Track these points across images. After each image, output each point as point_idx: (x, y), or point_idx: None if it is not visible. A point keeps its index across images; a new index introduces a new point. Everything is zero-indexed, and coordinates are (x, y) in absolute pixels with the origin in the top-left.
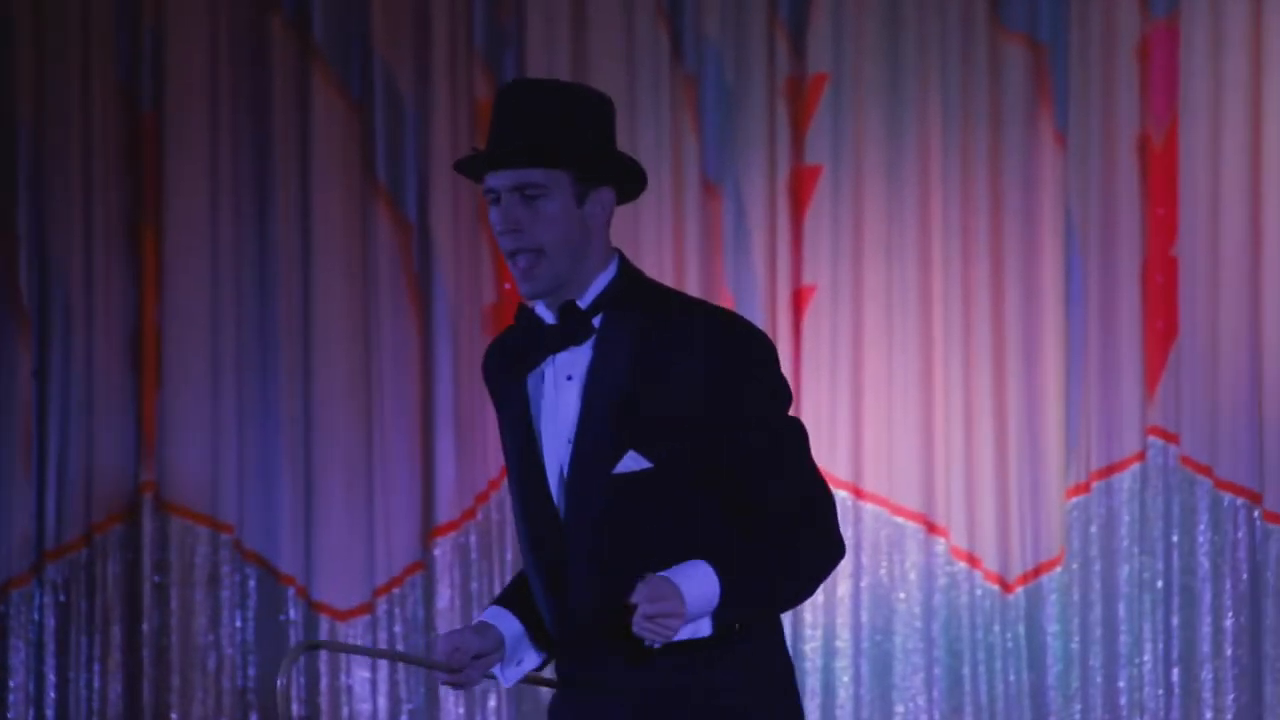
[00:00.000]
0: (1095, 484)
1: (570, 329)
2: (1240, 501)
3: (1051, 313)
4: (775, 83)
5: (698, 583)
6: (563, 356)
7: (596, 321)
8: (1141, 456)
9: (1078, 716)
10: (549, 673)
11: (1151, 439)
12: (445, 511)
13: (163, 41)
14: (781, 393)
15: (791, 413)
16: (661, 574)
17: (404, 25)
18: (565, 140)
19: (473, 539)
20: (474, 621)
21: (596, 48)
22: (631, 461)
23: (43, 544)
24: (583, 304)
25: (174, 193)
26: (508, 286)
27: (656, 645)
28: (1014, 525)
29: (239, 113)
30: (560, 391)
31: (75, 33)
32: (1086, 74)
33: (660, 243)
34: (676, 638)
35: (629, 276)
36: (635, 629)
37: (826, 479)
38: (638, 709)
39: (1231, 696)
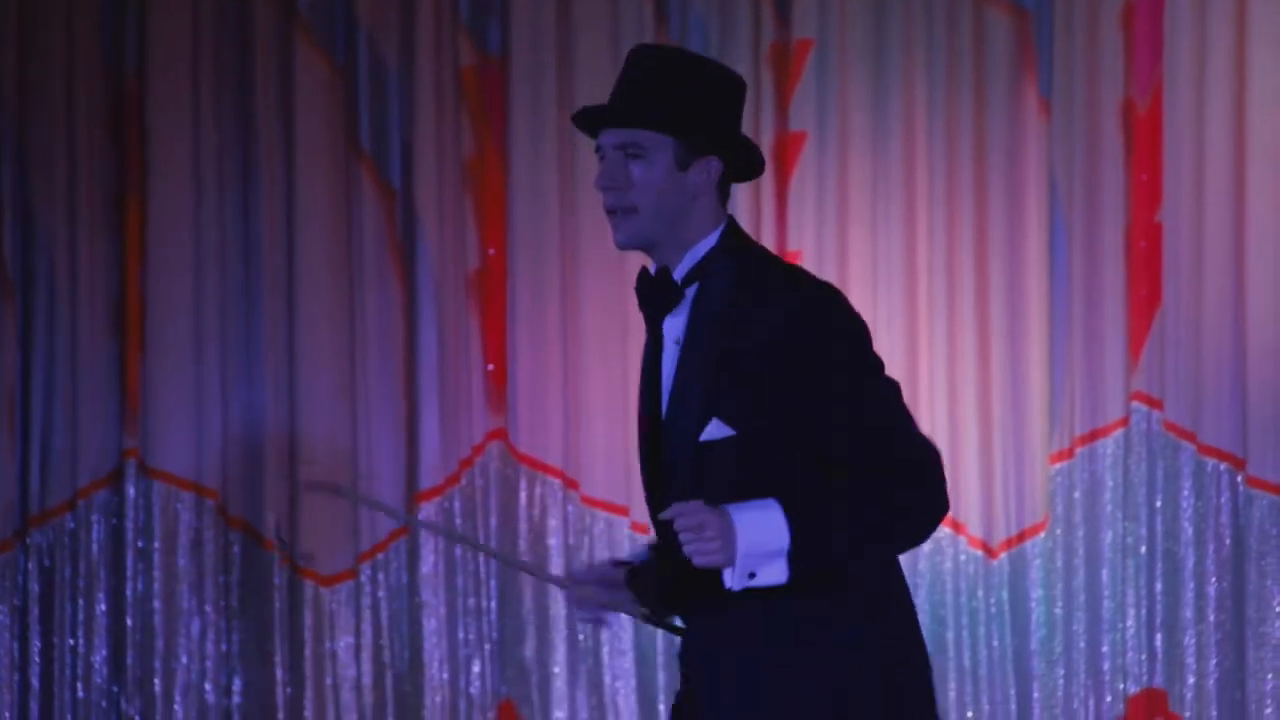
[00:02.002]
0: (1079, 450)
1: (665, 296)
2: (1223, 467)
3: (1035, 278)
4: (760, 49)
5: (757, 517)
6: (669, 321)
7: (690, 291)
8: (1125, 422)
9: (1061, 681)
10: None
11: (1135, 405)
12: (429, 477)
13: (146, 9)
14: (861, 361)
15: (890, 392)
16: (725, 508)
17: None
18: (670, 105)
19: (457, 504)
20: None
21: (581, 15)
22: (715, 429)
23: (27, 510)
24: (678, 274)
25: (157, 161)
26: (491, 252)
27: (696, 561)
28: (998, 491)
29: (222, 80)
30: (669, 355)
31: (58, 3)
32: (1070, 40)
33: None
34: (754, 583)
35: (731, 245)
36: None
37: (927, 440)
38: (711, 655)
39: (1214, 661)
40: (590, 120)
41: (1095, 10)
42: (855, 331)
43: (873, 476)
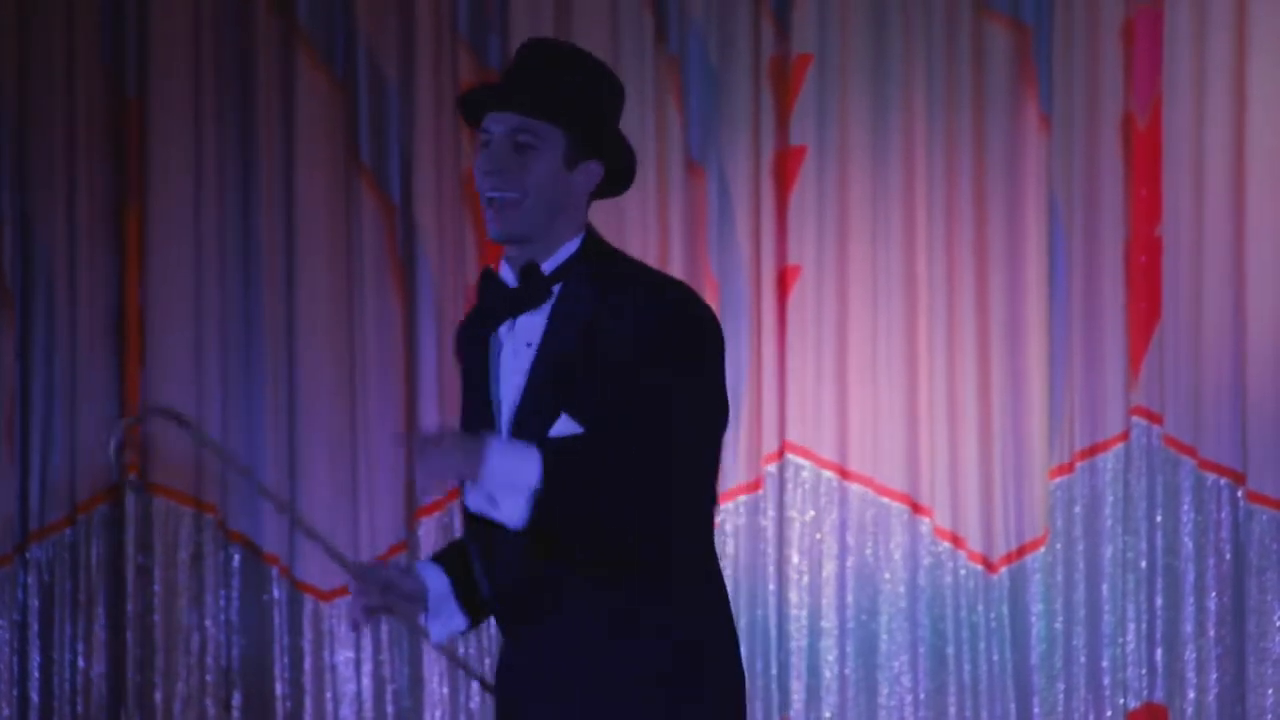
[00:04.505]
0: (1079, 464)
1: (529, 291)
2: (1223, 481)
3: (1035, 293)
4: (760, 63)
5: (513, 451)
6: (523, 321)
7: (556, 288)
8: (1125, 437)
9: (1061, 696)
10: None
11: (1135, 419)
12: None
13: (147, 23)
14: (682, 364)
15: (698, 396)
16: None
17: (388, 6)
18: (568, 100)
19: (456, 519)
20: (400, 565)
21: (580, 28)
22: (564, 425)
23: (26, 524)
24: (546, 268)
25: (158, 175)
26: (491, 266)
27: (425, 481)
28: (998, 505)
29: (223, 94)
30: (518, 358)
31: (59, 14)
32: (1070, 55)
33: (644, 224)
34: (493, 512)
35: (595, 248)
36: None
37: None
38: (558, 670)
39: (1214, 676)
40: (483, 102)
41: (1095, 25)
42: (699, 344)
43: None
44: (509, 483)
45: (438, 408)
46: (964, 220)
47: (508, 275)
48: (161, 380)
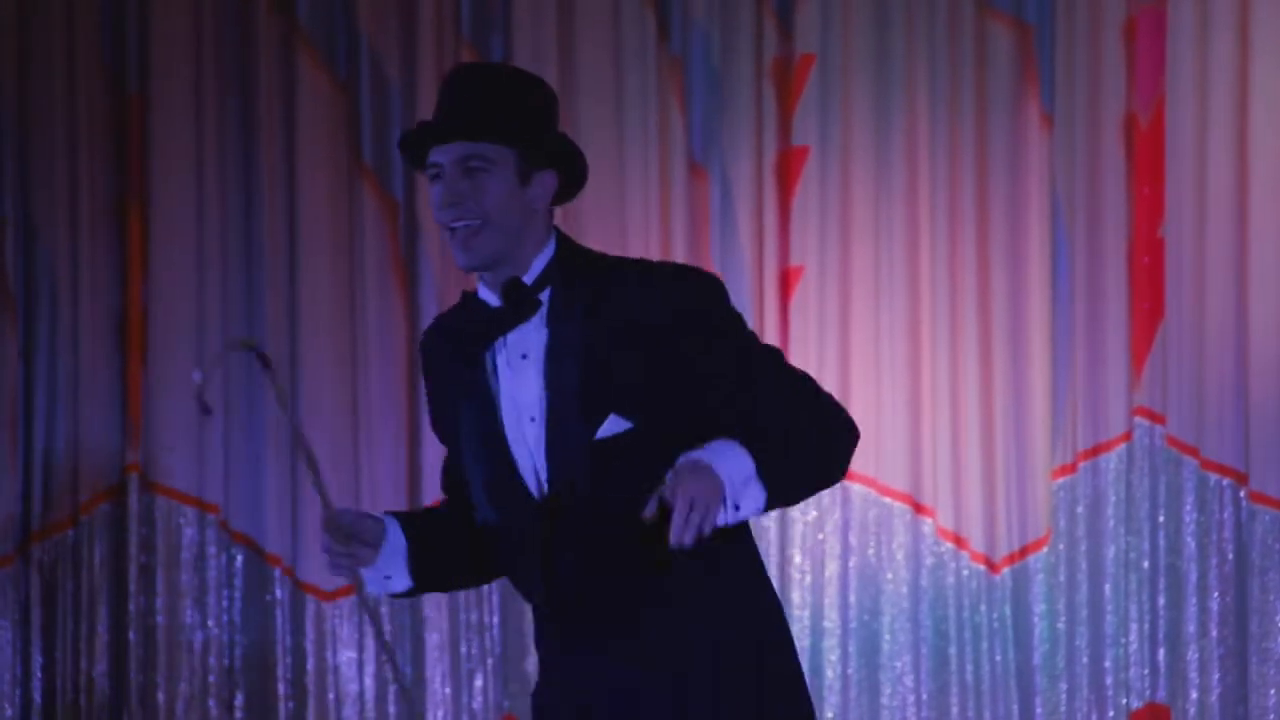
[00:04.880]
0: (1082, 464)
1: (517, 307)
2: (1226, 482)
3: (1038, 293)
4: (762, 64)
5: (726, 454)
6: (513, 337)
7: (543, 297)
8: (1128, 437)
9: (1063, 697)
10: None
11: (1138, 419)
12: (432, 491)
13: (148, 23)
14: (740, 325)
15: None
16: (688, 458)
17: (390, 6)
18: (511, 117)
19: None
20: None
21: (583, 30)
22: (613, 424)
23: (29, 525)
24: (527, 280)
25: (160, 174)
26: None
27: (705, 532)
28: (1000, 506)
29: (225, 94)
30: (517, 372)
31: (60, 14)
32: (1073, 55)
33: (647, 224)
34: (740, 515)
35: (569, 250)
36: (676, 527)
37: (819, 384)
38: (631, 671)
39: (1217, 676)
40: (427, 137)
41: (1098, 24)
42: (725, 298)
43: (799, 415)
44: (740, 479)
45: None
46: (966, 220)
47: (487, 295)
48: (163, 380)
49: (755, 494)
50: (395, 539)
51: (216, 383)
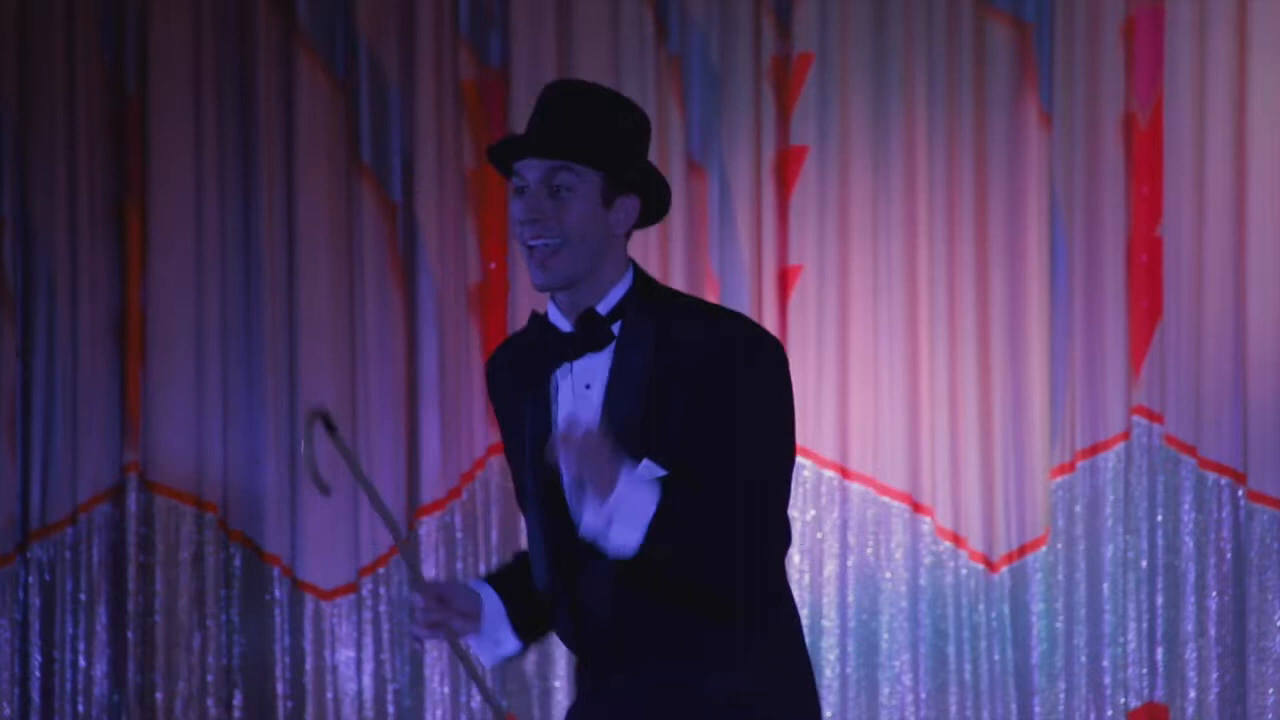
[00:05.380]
0: (1080, 463)
1: (590, 336)
2: (1224, 481)
3: (1037, 292)
4: (761, 63)
5: (637, 484)
6: (580, 364)
7: (615, 328)
8: (1126, 436)
9: (1062, 696)
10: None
11: (1136, 418)
12: (430, 491)
13: (147, 23)
14: (776, 407)
15: (785, 430)
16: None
17: (389, 7)
18: (600, 138)
19: (457, 519)
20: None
21: (581, 28)
22: (646, 469)
23: (28, 524)
24: (602, 310)
25: (159, 174)
26: (493, 266)
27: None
28: (999, 505)
29: (224, 94)
30: (579, 400)
31: (59, 14)
32: (1072, 53)
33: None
34: (598, 533)
35: (646, 284)
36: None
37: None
38: (653, 708)
39: (1215, 675)
40: (515, 150)
41: (1097, 24)
42: (781, 372)
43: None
44: (630, 511)
45: (438, 405)
46: (965, 219)
47: (558, 319)
48: (162, 379)
49: (630, 536)
50: (492, 605)
51: (215, 390)
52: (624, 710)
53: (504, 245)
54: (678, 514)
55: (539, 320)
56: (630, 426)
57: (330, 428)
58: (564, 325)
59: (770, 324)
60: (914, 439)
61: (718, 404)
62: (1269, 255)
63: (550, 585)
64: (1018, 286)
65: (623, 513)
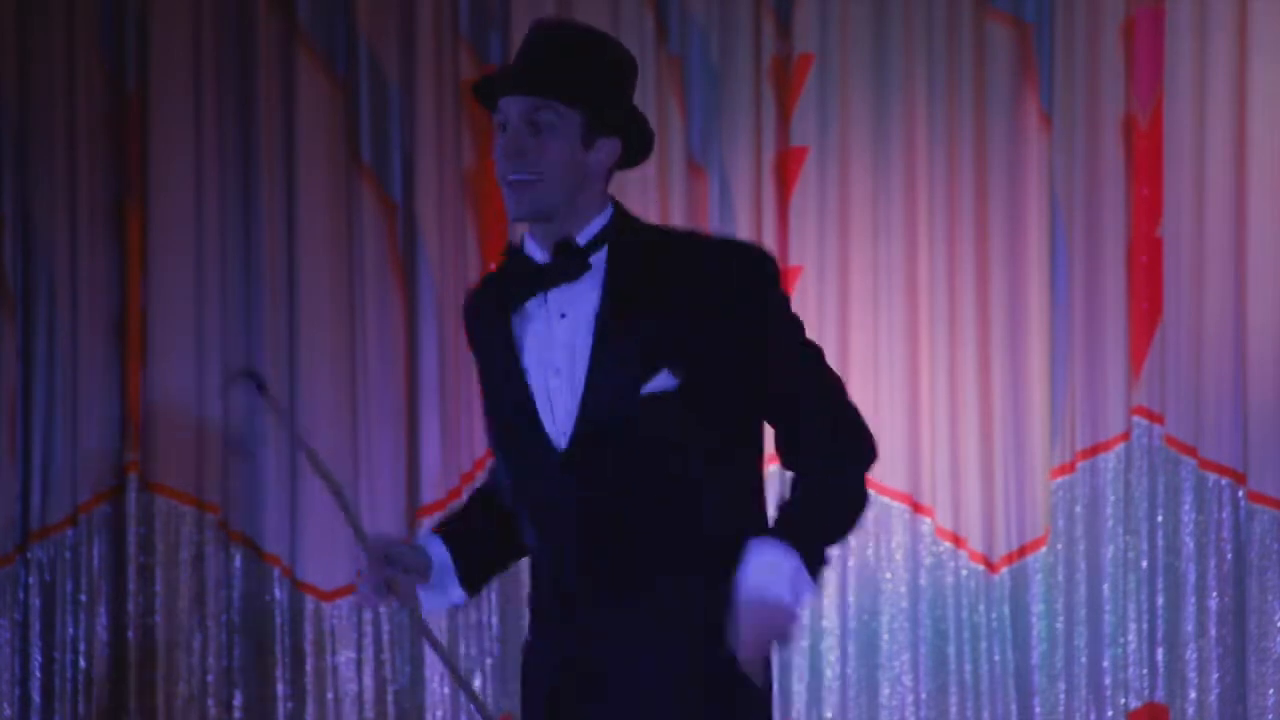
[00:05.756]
0: (1080, 464)
1: (566, 265)
2: (1224, 481)
3: (1036, 293)
4: (761, 64)
5: (771, 564)
6: (555, 294)
7: (594, 259)
8: (1126, 436)
9: (1062, 696)
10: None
11: (1136, 419)
12: (430, 492)
13: (147, 22)
14: (789, 310)
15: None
16: (744, 589)
17: (389, 6)
18: (582, 77)
19: None
20: (404, 540)
21: None
22: (663, 380)
23: (28, 524)
24: (580, 240)
25: (159, 174)
26: (493, 266)
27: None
28: (999, 505)
29: (224, 93)
30: (553, 328)
31: (59, 13)
32: (1072, 54)
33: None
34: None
35: (626, 218)
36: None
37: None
38: (645, 636)
39: (1215, 676)
40: (498, 86)
41: (1096, 24)
42: (780, 279)
43: (819, 436)
44: (794, 575)
45: (439, 406)
46: (965, 220)
47: (534, 251)
48: (163, 379)
49: (808, 583)
50: (440, 557)
51: (215, 379)
52: (615, 641)
53: (504, 244)
54: (810, 507)
55: (513, 251)
56: (629, 345)
57: (260, 387)
58: (540, 256)
59: None
60: (914, 439)
61: (767, 329)
62: (1269, 255)
63: (535, 525)
64: (1017, 287)
65: (795, 588)
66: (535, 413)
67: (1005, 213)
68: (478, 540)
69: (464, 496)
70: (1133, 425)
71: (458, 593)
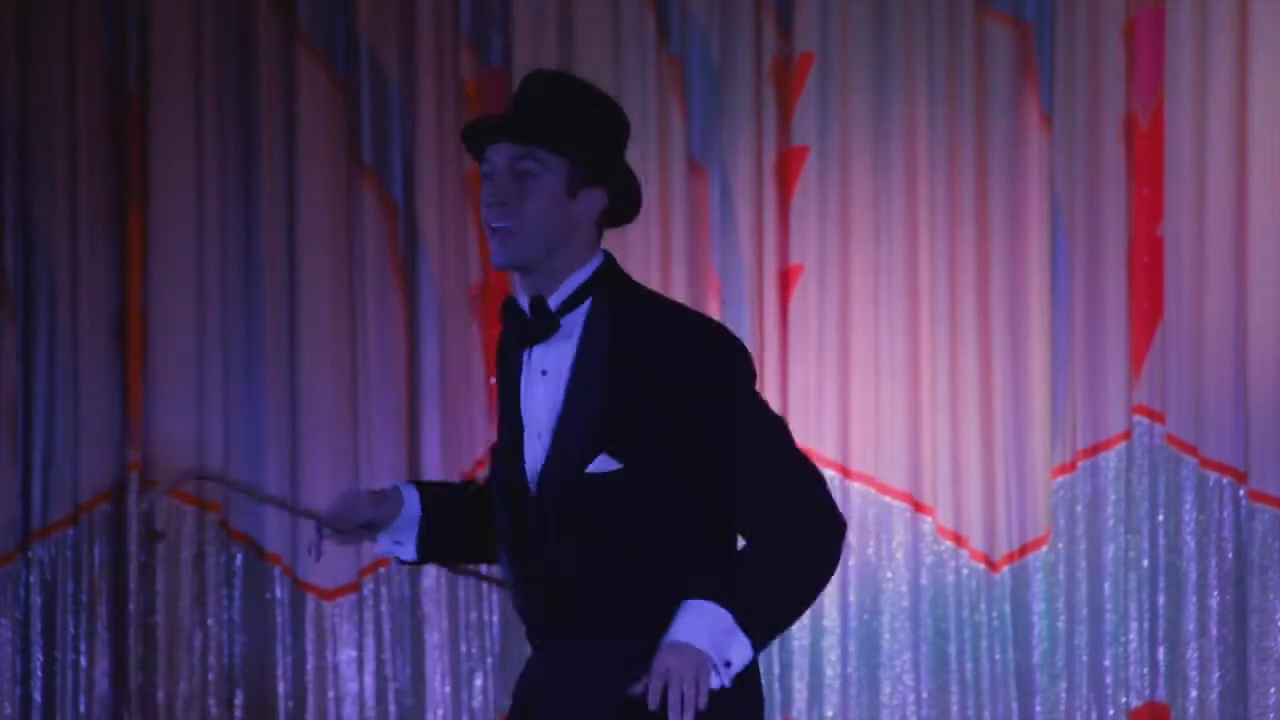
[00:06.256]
0: (1081, 463)
1: (539, 325)
2: (1225, 480)
3: (1037, 293)
4: (762, 64)
5: (699, 618)
6: (538, 350)
7: (570, 321)
8: (1127, 436)
9: (1063, 695)
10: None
11: (1137, 418)
12: None
13: (147, 22)
14: (761, 407)
15: (773, 409)
16: (667, 641)
17: (389, 6)
18: (569, 128)
19: None
20: (379, 487)
21: (583, 29)
22: (603, 463)
23: (29, 524)
24: (553, 301)
25: (159, 174)
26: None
27: (701, 705)
28: (1000, 504)
29: (224, 93)
30: (533, 385)
31: (59, 13)
32: (1072, 54)
33: (647, 224)
34: (733, 670)
35: (610, 278)
36: (673, 707)
37: (812, 464)
38: (583, 667)
39: (1216, 675)
40: (485, 133)
41: (1097, 24)
42: (751, 372)
43: (776, 524)
44: (721, 633)
45: (439, 407)
46: (966, 220)
47: (523, 301)
48: (163, 379)
49: (741, 643)
50: (411, 509)
51: (216, 390)
52: (570, 672)
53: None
54: (751, 575)
55: (509, 302)
56: (585, 417)
57: (206, 478)
58: (525, 308)
59: (771, 324)
60: (915, 438)
61: (725, 425)
62: (1270, 255)
63: (504, 552)
64: (1018, 286)
65: (720, 645)
66: (522, 451)
67: (1006, 213)
68: (452, 516)
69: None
70: (1134, 424)
71: (409, 551)
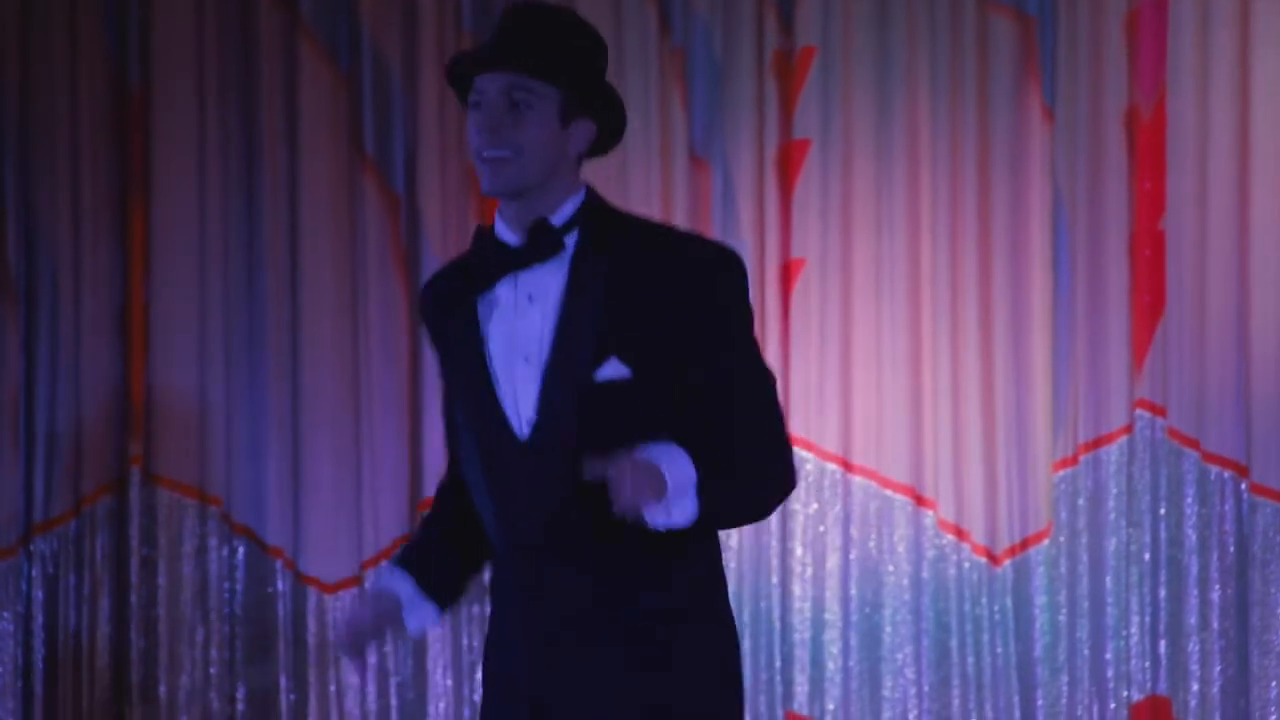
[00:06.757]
0: (1083, 457)
1: (541, 246)
2: (1227, 474)
3: (1039, 286)
4: (764, 56)
5: (674, 460)
6: (525, 276)
7: (568, 240)
8: (1129, 429)
9: (1064, 689)
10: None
11: (1139, 412)
12: (433, 483)
13: (149, 16)
14: (750, 325)
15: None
16: (642, 451)
17: None
18: (562, 57)
19: None
20: (368, 590)
21: None
22: (614, 368)
23: (31, 517)
24: (555, 221)
25: (162, 167)
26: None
27: (632, 517)
28: (1001, 498)
29: (226, 87)
30: (519, 311)
31: (62, 9)
32: (1074, 47)
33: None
34: (670, 520)
35: (599, 202)
36: (619, 497)
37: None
38: (574, 613)
39: (1218, 669)
40: (475, 64)
41: (1099, 17)
42: (748, 288)
43: (748, 449)
44: (680, 488)
45: (441, 402)
46: (968, 213)
47: (504, 232)
48: (165, 372)
49: (688, 506)
50: (406, 590)
51: (219, 383)
52: (546, 612)
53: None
54: (725, 466)
55: (483, 233)
56: (588, 329)
57: None
58: (511, 238)
59: (773, 317)
60: (916, 432)
61: (717, 322)
62: (1272, 249)
63: (484, 497)
64: (1020, 280)
65: (675, 492)
66: (498, 401)
67: (1008, 206)
68: (437, 561)
69: (420, 521)
70: (1135, 418)
71: (432, 614)
